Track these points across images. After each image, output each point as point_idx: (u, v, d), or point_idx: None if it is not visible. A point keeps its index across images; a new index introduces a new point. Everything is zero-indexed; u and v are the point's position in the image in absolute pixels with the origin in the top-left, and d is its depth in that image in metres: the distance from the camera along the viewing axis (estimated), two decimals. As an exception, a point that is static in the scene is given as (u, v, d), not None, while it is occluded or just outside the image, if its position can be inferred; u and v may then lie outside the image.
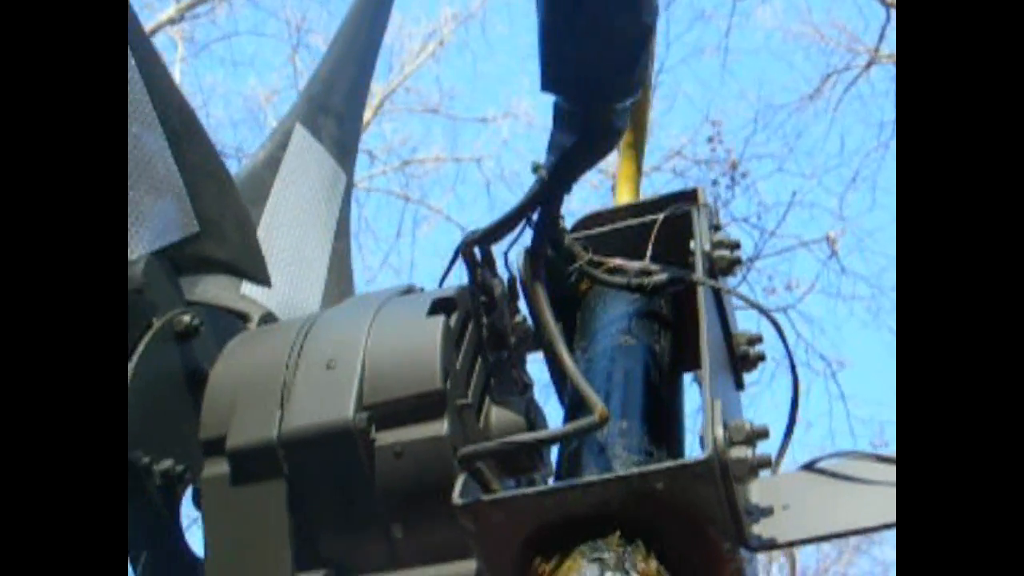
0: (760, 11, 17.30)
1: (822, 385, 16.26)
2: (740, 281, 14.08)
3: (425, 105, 16.74)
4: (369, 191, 15.98)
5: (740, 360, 1.71)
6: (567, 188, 1.49)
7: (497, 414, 1.58)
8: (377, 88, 16.00)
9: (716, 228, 1.69)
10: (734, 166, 14.62)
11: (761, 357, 1.72)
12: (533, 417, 1.62)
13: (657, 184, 15.68)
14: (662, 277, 1.58)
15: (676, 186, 15.56)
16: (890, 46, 14.90)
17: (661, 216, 1.70)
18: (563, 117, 1.43)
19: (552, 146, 1.45)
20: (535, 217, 1.51)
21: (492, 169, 16.61)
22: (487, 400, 1.59)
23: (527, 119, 16.29)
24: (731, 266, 1.63)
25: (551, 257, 1.60)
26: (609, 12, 1.36)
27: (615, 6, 1.36)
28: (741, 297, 1.63)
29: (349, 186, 2.39)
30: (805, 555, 15.76)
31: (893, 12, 14.62)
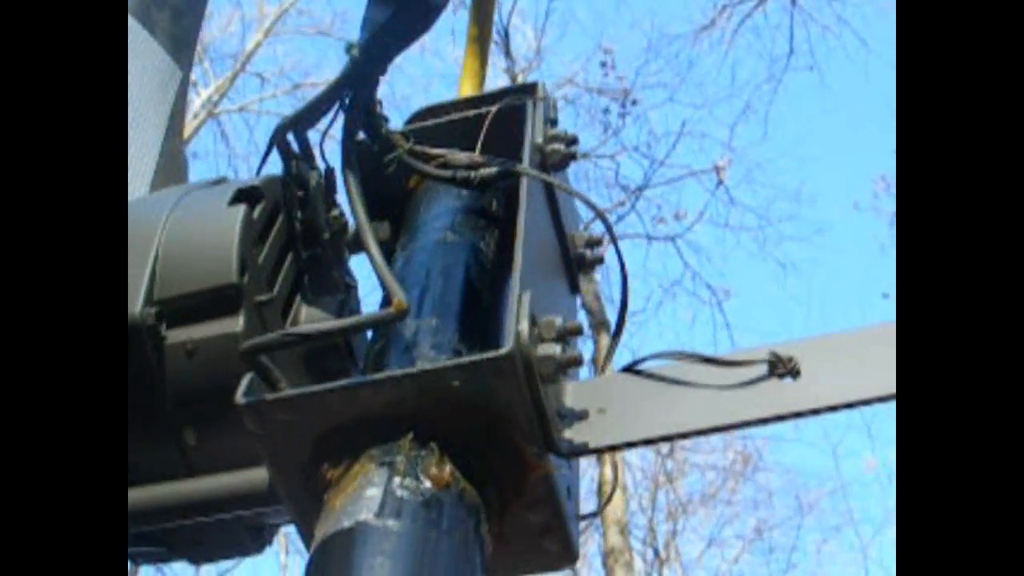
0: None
1: (708, 314, 16.41)
2: (629, 210, 14.09)
3: (317, 27, 16.47)
4: (260, 114, 15.73)
5: (576, 262, 1.62)
6: (381, 69, 1.37)
7: (307, 314, 1.47)
8: (270, 10, 15.73)
9: (553, 123, 1.59)
10: (625, 94, 14.58)
11: (599, 260, 1.63)
12: (347, 315, 1.51)
13: (551, 112, 15.58)
14: (490, 170, 1.48)
15: (568, 115, 15.64)
16: (785, -23, 14.92)
17: (494, 108, 1.60)
18: None
19: (366, 22, 1.33)
20: (348, 101, 1.40)
21: (384, 92, 16.30)
22: (297, 299, 1.48)
23: (419, 43, 16.08)
24: (565, 160, 1.53)
25: (369, 148, 1.49)
26: None
27: None
28: (566, 190, 1.54)
29: (185, 82, 2.25)
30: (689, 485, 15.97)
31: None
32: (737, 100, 19.40)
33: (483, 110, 1.62)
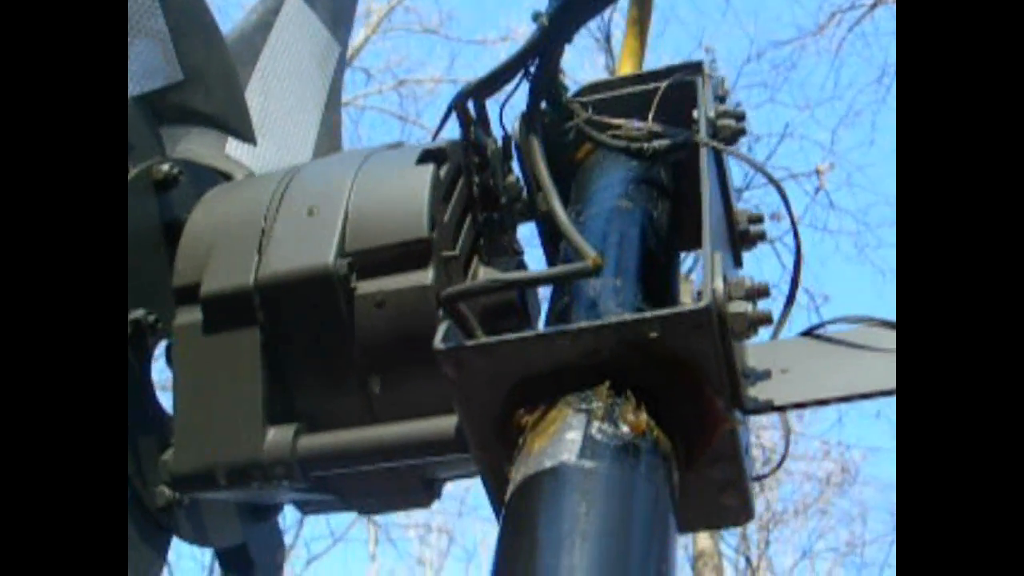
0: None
1: (804, 318, 16.28)
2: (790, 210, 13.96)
3: (424, 25, 16.57)
4: (364, 109, 15.86)
5: (740, 237, 1.64)
6: (568, 37, 1.41)
7: (485, 273, 1.51)
8: (376, 6, 15.84)
9: (721, 99, 1.62)
10: (726, 94, 14.47)
11: (761, 236, 1.66)
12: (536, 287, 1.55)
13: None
14: (664, 141, 1.52)
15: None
16: (898, -14, 14.73)
17: (664, 83, 1.63)
18: None
19: None
20: (532, 69, 1.43)
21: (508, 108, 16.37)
22: (475, 259, 1.52)
23: (525, 43, 16.11)
24: (735, 135, 1.56)
25: (549, 121, 1.53)
26: None
27: None
28: (745, 159, 1.57)
29: (343, 57, 2.31)
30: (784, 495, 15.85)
31: (902, -48, 14.44)
32: (840, 103, 19.19)
33: (651, 86, 1.65)
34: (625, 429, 1.12)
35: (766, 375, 1.28)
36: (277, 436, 1.39)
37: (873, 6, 15.32)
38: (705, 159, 1.41)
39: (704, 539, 12.10)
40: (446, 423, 1.35)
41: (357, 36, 15.75)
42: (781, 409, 1.25)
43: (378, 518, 16.94)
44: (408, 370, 1.37)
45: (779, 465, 1.49)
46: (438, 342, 1.19)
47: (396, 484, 1.49)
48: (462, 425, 1.25)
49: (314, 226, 1.42)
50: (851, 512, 16.24)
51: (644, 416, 1.14)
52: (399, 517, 17.43)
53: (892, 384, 1.22)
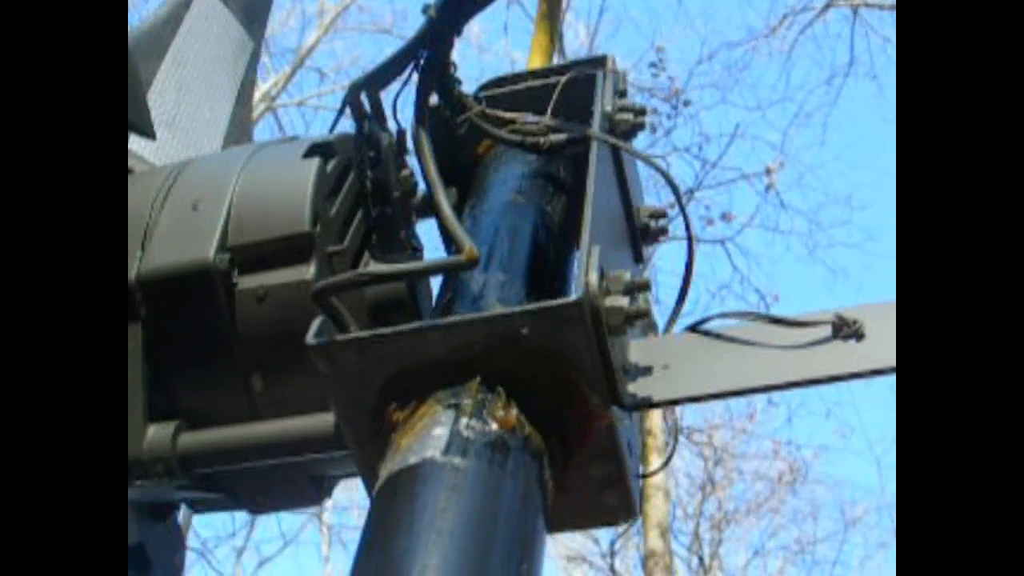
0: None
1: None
2: (677, 211, 14.02)
3: (377, 25, 16.55)
4: (318, 109, 15.82)
5: (641, 232, 1.63)
6: (457, 30, 1.39)
7: (374, 269, 1.49)
8: (330, 6, 15.81)
9: (622, 94, 1.61)
10: (676, 94, 14.52)
11: (663, 231, 1.65)
12: (417, 280, 1.53)
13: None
14: (559, 136, 1.50)
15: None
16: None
17: (564, 78, 1.61)
18: None
19: None
20: (422, 61, 1.42)
21: (403, 101, 16.38)
22: (366, 255, 1.50)
23: (476, 41, 16.14)
24: (633, 130, 1.55)
25: (442, 112, 1.51)
26: None
27: None
28: (635, 154, 1.55)
29: (255, 53, 2.28)
30: (736, 494, 15.91)
31: (854, -46, 14.57)
32: (791, 104, 19.30)
33: (553, 80, 1.64)
34: (494, 426, 1.10)
35: (647, 371, 1.26)
36: (157, 433, 1.37)
37: (824, 8, 15.42)
38: (595, 152, 1.39)
39: (655, 538, 12.13)
40: (327, 419, 1.33)
41: (310, 36, 15.71)
42: (659, 405, 1.24)
43: (331, 520, 16.89)
44: (290, 366, 1.35)
45: (665, 463, 1.47)
46: (311, 337, 1.17)
47: (283, 482, 1.47)
48: (337, 421, 1.23)
49: (197, 220, 1.40)
50: (802, 510, 16.34)
51: (514, 412, 1.12)
52: (352, 519, 17.39)
53: (770, 380, 1.21)
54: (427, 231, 1.63)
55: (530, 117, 1.52)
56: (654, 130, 14.58)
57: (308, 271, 1.35)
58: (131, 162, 1.78)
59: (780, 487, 15.67)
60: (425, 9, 1.38)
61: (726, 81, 17.62)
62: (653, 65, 14.53)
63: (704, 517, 15.29)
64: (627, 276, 1.19)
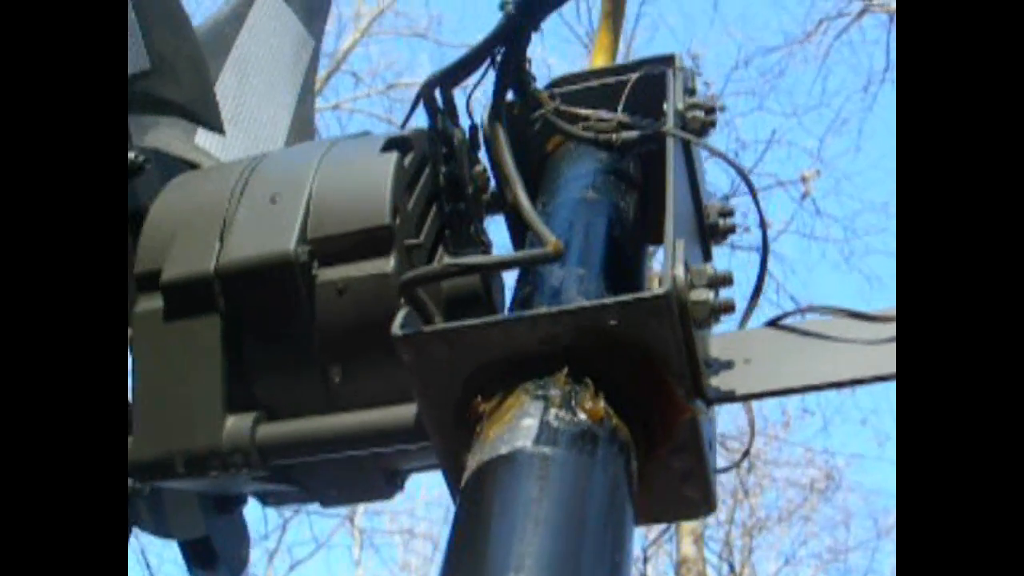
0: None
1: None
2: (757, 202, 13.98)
3: (413, 29, 16.58)
4: (353, 112, 15.85)
5: (710, 230, 1.63)
6: (535, 25, 1.40)
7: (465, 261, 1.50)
8: (365, 10, 15.85)
9: (691, 92, 1.61)
10: (711, 100, 14.48)
11: (732, 229, 1.65)
12: (489, 278, 1.54)
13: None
14: (632, 133, 1.51)
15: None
16: (885, -6, 14.80)
17: (634, 76, 1.62)
18: None
19: None
20: (499, 58, 1.42)
21: (476, 97, 16.45)
22: (440, 250, 1.50)
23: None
24: (704, 127, 1.55)
25: (519, 112, 1.51)
26: None
27: None
28: (711, 150, 1.55)
29: (316, 50, 2.29)
30: (768, 502, 15.86)
31: (890, -40, 14.52)
32: (827, 111, 19.21)
33: (622, 78, 1.64)
34: (582, 416, 1.11)
35: (729, 365, 1.27)
36: (236, 424, 1.38)
37: (860, 14, 15.36)
38: (672, 149, 1.40)
39: (688, 545, 12.11)
40: (406, 412, 1.33)
41: (346, 40, 15.75)
42: (743, 399, 1.24)
43: (362, 523, 16.92)
44: (369, 358, 1.36)
45: (743, 456, 1.47)
46: (396, 328, 1.18)
47: (358, 475, 1.48)
48: (421, 412, 1.24)
49: (276, 213, 1.41)
50: (834, 518, 16.27)
51: (602, 404, 1.12)
52: (384, 523, 17.42)
53: (855, 374, 1.21)
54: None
55: (603, 114, 1.52)
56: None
57: (388, 264, 1.35)
58: (197, 157, 1.80)
59: (812, 495, 15.62)
60: (503, 5, 1.38)
61: (762, 87, 17.53)
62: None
63: (736, 524, 15.25)
64: (710, 270, 1.20)
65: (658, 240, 1.62)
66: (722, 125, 15.34)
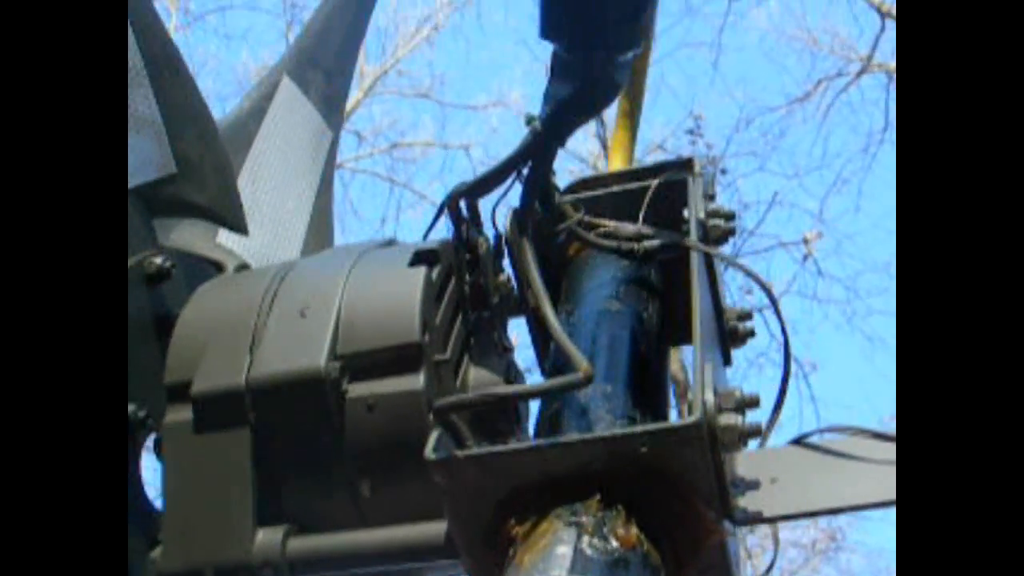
0: (755, 12, 17.21)
1: (794, 387, 16.25)
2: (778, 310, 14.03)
3: (416, 89, 16.68)
4: (355, 172, 15.93)
5: (729, 335, 1.65)
6: (561, 142, 1.43)
7: (476, 374, 1.52)
8: (369, 70, 15.95)
9: (711, 198, 1.64)
10: (712, 162, 14.58)
11: (751, 333, 1.67)
12: (513, 380, 1.56)
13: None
14: (654, 242, 1.54)
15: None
16: (883, 55, 14.92)
17: (655, 182, 1.64)
18: (561, 66, 1.37)
19: (548, 97, 1.39)
20: (525, 172, 1.45)
21: (480, 157, 16.55)
22: (466, 359, 1.52)
23: (517, 108, 16.25)
24: (725, 236, 1.58)
25: (539, 217, 1.54)
26: None
27: None
28: (735, 264, 1.59)
29: (335, 142, 2.33)
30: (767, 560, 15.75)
31: (888, 21, 14.65)
32: (828, 171, 19.27)
33: (641, 184, 1.67)
34: (615, 544, 1.12)
35: (755, 485, 1.29)
36: (266, 538, 1.39)
37: (858, 74, 15.48)
38: (695, 264, 1.42)
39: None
40: (436, 528, 1.35)
41: (350, 99, 15.83)
42: (771, 520, 1.26)
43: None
44: (398, 474, 1.37)
45: (768, 570, 1.49)
46: (429, 451, 1.20)
47: None
48: (452, 533, 1.25)
49: (306, 327, 1.42)
50: (838, 580, 16.18)
51: (634, 530, 1.14)
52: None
53: (884, 496, 1.23)
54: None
55: (627, 226, 1.55)
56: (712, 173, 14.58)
57: (418, 381, 1.37)
58: (221, 256, 1.82)
59: (815, 556, 15.57)
60: (529, 121, 1.42)
61: (764, 148, 17.63)
62: (691, 132, 14.60)
63: (739, 585, 15.14)
64: (738, 393, 1.22)
65: (680, 341, 1.65)
66: (724, 186, 15.42)
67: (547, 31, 1.35)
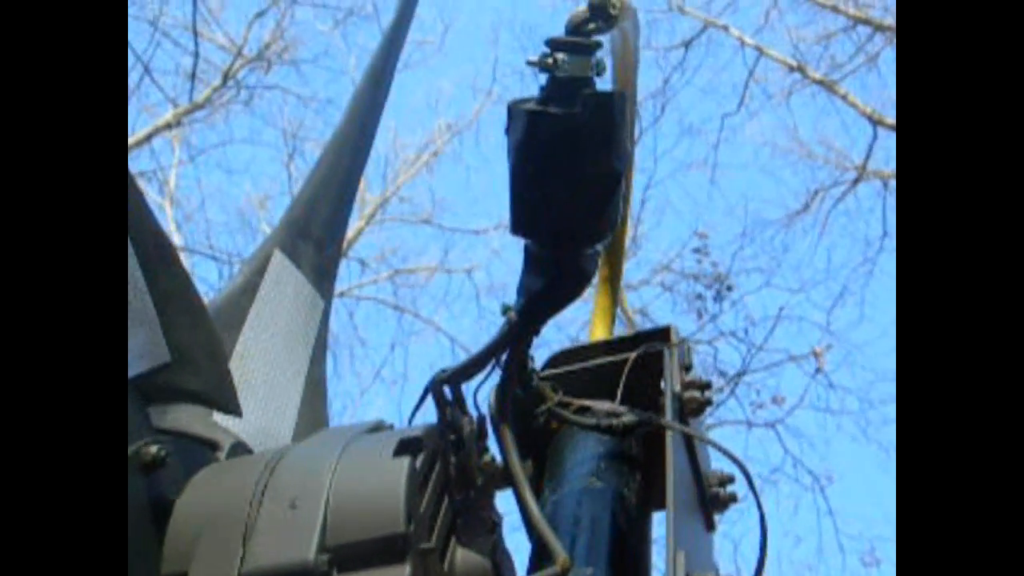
0: (748, 127, 17.41)
1: (810, 500, 16.17)
2: (728, 395, 14.07)
3: (417, 215, 16.84)
4: (359, 300, 16.03)
5: (711, 501, 1.70)
6: (536, 331, 1.49)
7: (462, 557, 1.56)
8: (371, 198, 16.12)
9: (687, 368, 1.69)
10: (721, 279, 14.68)
11: (732, 499, 1.71)
12: (499, 560, 1.60)
13: (646, 298, 15.78)
14: (631, 419, 1.58)
15: (665, 301, 15.76)
16: (877, 163, 15.08)
17: (632, 356, 1.70)
18: (532, 260, 1.44)
19: (522, 289, 1.46)
20: (504, 358, 1.51)
21: (483, 280, 16.68)
22: (452, 542, 1.57)
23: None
24: (701, 407, 1.63)
25: (525, 405, 1.60)
26: (579, 158, 1.37)
27: (585, 152, 1.37)
28: (709, 442, 1.63)
29: (327, 311, 2.38)
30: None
31: (881, 129, 14.84)
32: (834, 283, 19.33)
33: (619, 357, 1.72)
34: None
35: None
36: None
37: (855, 182, 15.64)
38: (670, 443, 1.47)
39: None
40: None
41: (352, 228, 16.00)
42: None
43: None
44: None
45: None
46: None
47: None
48: None
49: (296, 520, 1.47)
50: None
51: None
52: None
53: None
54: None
55: (603, 405, 1.60)
56: (700, 316, 14.72)
57: (404, 572, 1.41)
58: (215, 435, 1.87)
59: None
60: (504, 311, 1.48)
61: (768, 263, 17.75)
62: (697, 251, 14.74)
63: None
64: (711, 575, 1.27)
65: (662, 507, 1.69)
66: (731, 304, 15.43)
67: (516, 228, 1.42)
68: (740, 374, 14.60)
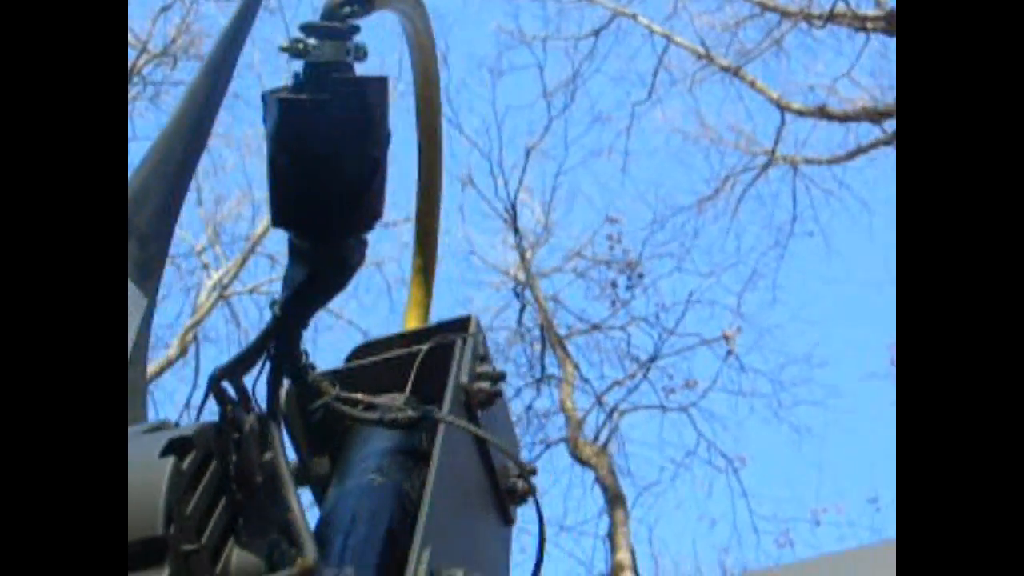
0: (658, 114, 17.48)
1: (724, 483, 16.31)
2: (640, 380, 14.12)
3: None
4: (270, 295, 15.89)
5: (508, 494, 1.67)
6: (303, 324, 1.46)
7: (238, 557, 1.52)
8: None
9: (482, 359, 1.67)
10: (632, 266, 14.77)
11: (530, 490, 1.69)
12: (277, 557, 1.56)
13: (558, 285, 15.82)
14: (412, 413, 1.55)
15: (578, 288, 15.82)
16: (786, 147, 15.20)
17: (424, 347, 1.67)
18: (295, 252, 1.41)
19: (286, 281, 1.43)
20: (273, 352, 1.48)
21: (393, 272, 16.64)
22: (229, 542, 1.53)
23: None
24: (491, 399, 1.60)
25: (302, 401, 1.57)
26: (334, 147, 1.34)
27: (340, 139, 1.34)
28: (484, 437, 1.59)
29: (150, 309, 2.33)
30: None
31: (787, 115, 14.95)
32: (744, 267, 19.52)
33: (416, 349, 1.69)
34: None
35: None
36: None
37: (765, 167, 15.76)
38: (439, 441, 1.45)
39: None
40: None
41: (259, 224, 15.88)
42: None
43: None
44: None
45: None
46: None
47: None
48: None
49: None
50: None
51: None
52: None
53: None
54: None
55: (383, 398, 1.57)
56: (613, 303, 14.79)
57: (163, 574, 1.37)
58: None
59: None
60: (271, 304, 1.44)
61: (679, 249, 17.84)
62: (609, 238, 14.81)
63: None
64: (459, 573, 1.24)
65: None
66: (643, 290, 15.51)
67: (276, 220, 1.39)
68: (652, 359, 14.68)
